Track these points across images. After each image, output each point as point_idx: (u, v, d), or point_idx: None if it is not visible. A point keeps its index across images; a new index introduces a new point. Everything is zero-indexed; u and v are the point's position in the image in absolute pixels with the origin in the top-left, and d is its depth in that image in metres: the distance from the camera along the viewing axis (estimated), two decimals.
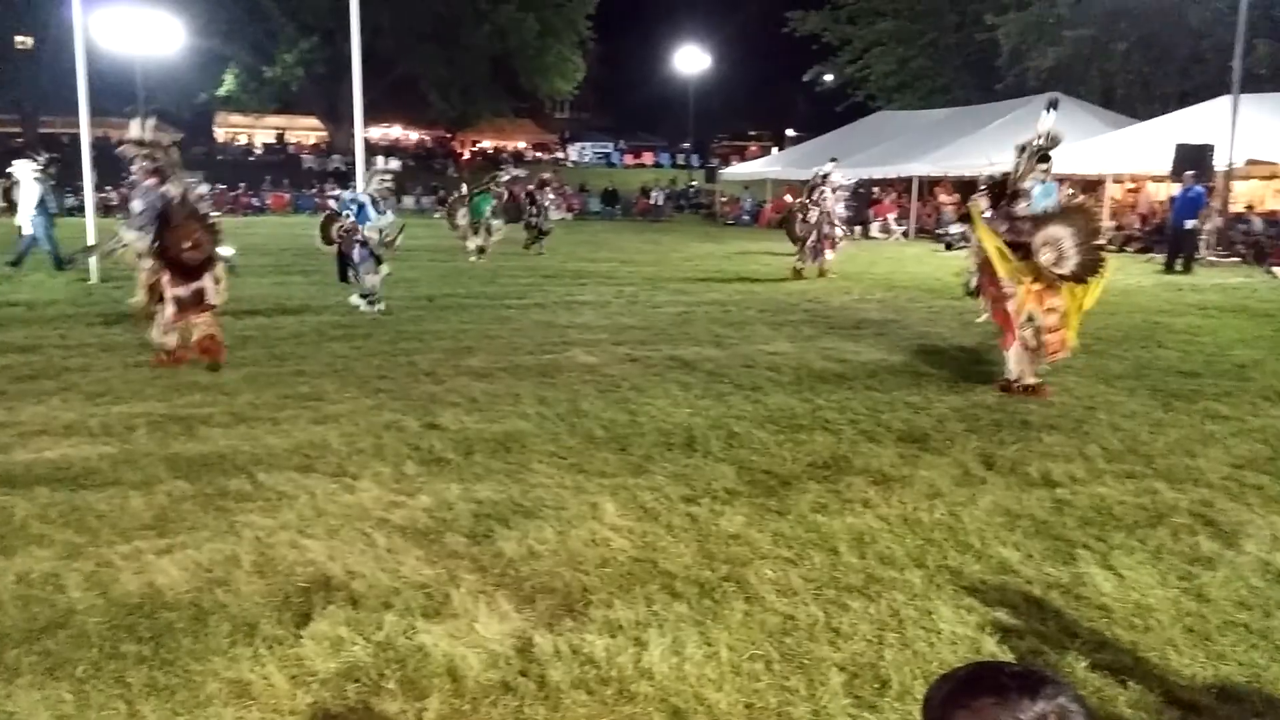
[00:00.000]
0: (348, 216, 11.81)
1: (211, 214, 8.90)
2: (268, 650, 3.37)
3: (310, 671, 3.25)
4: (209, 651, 3.36)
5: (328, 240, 12.03)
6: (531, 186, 22.94)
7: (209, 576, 3.97)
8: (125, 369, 8.07)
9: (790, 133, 58.37)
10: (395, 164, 12.81)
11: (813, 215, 16.67)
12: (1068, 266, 7.30)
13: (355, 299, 11.79)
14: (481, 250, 19.42)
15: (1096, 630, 3.59)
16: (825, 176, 16.93)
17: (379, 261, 11.77)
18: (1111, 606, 3.78)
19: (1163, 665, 3.35)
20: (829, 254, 16.88)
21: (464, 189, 20.99)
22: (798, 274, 16.61)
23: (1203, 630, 3.60)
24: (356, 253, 11.73)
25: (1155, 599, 3.85)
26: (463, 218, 19.94)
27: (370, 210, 11.79)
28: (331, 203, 12.15)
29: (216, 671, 3.24)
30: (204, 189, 9.65)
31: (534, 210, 22.05)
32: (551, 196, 23.16)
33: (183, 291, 8.19)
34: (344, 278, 12.23)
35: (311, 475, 5.31)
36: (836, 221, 17.07)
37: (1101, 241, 7.53)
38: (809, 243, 16.67)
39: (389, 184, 12.42)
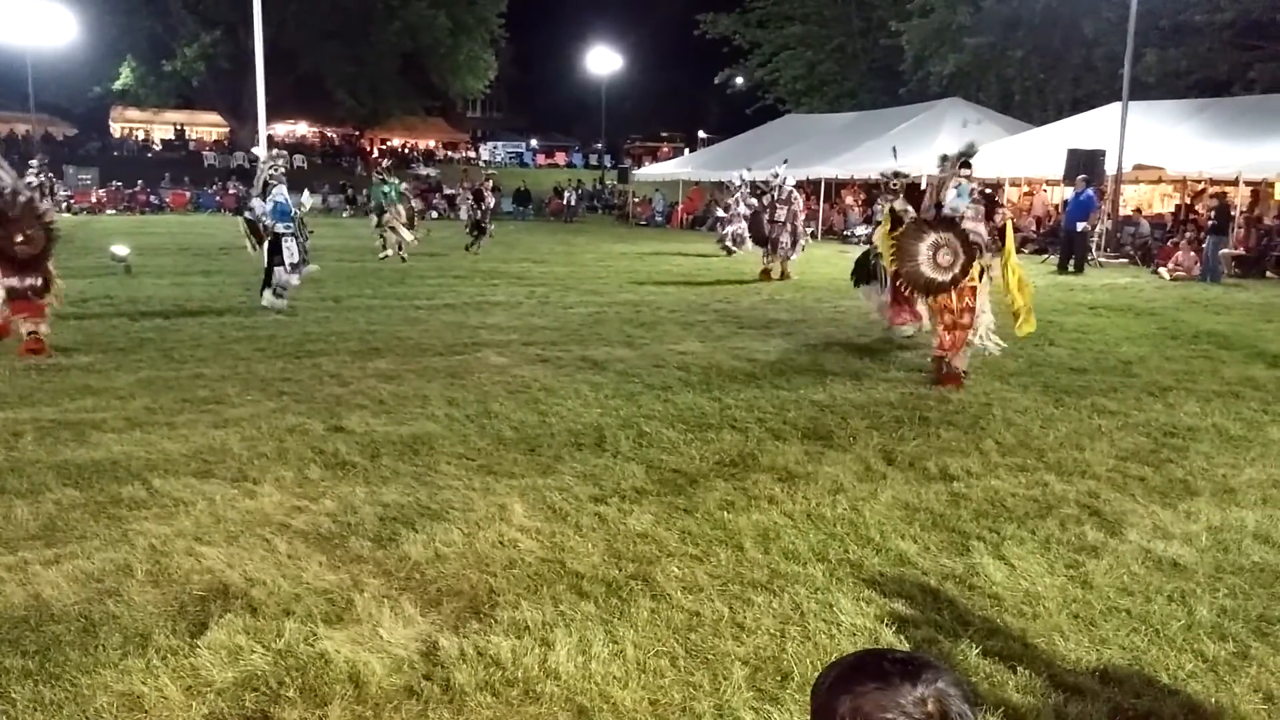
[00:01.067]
0: (281, 228, 11.60)
1: (49, 213, 8.98)
2: (161, 661, 3.28)
3: (206, 682, 3.17)
4: (98, 664, 3.26)
5: (260, 240, 11.75)
6: (479, 185, 22.62)
7: (99, 587, 3.84)
8: (13, 374, 7.76)
9: (702, 134, 58.80)
10: (261, 150, 12.58)
11: (780, 214, 16.87)
12: (949, 274, 7.77)
13: (269, 298, 11.58)
14: (386, 249, 19.35)
15: (988, 618, 3.72)
16: (783, 180, 17.19)
17: (303, 263, 11.70)
18: (1002, 595, 3.92)
19: (1050, 650, 3.48)
20: (795, 255, 17.13)
21: (384, 190, 20.62)
22: (766, 275, 16.77)
23: (1087, 616, 3.75)
24: (293, 249, 11.57)
25: (1044, 587, 4.00)
26: (402, 216, 19.68)
27: (288, 203, 11.68)
28: (253, 210, 11.77)
29: (106, 684, 3.14)
30: (26, 183, 9.80)
31: (479, 210, 21.81)
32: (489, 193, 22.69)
33: (15, 283, 8.42)
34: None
35: (210, 481, 5.18)
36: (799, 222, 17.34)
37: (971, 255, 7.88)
38: (780, 243, 16.82)
39: (280, 170, 12.14)
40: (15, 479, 5.12)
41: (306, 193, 12.70)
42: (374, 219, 19.56)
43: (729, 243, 21.97)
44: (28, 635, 3.45)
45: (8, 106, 42.50)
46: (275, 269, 11.69)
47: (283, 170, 12.07)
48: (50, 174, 28.54)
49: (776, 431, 6.41)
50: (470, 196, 22.16)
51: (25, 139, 44.80)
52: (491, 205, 21.98)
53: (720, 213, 23.18)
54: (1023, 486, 5.31)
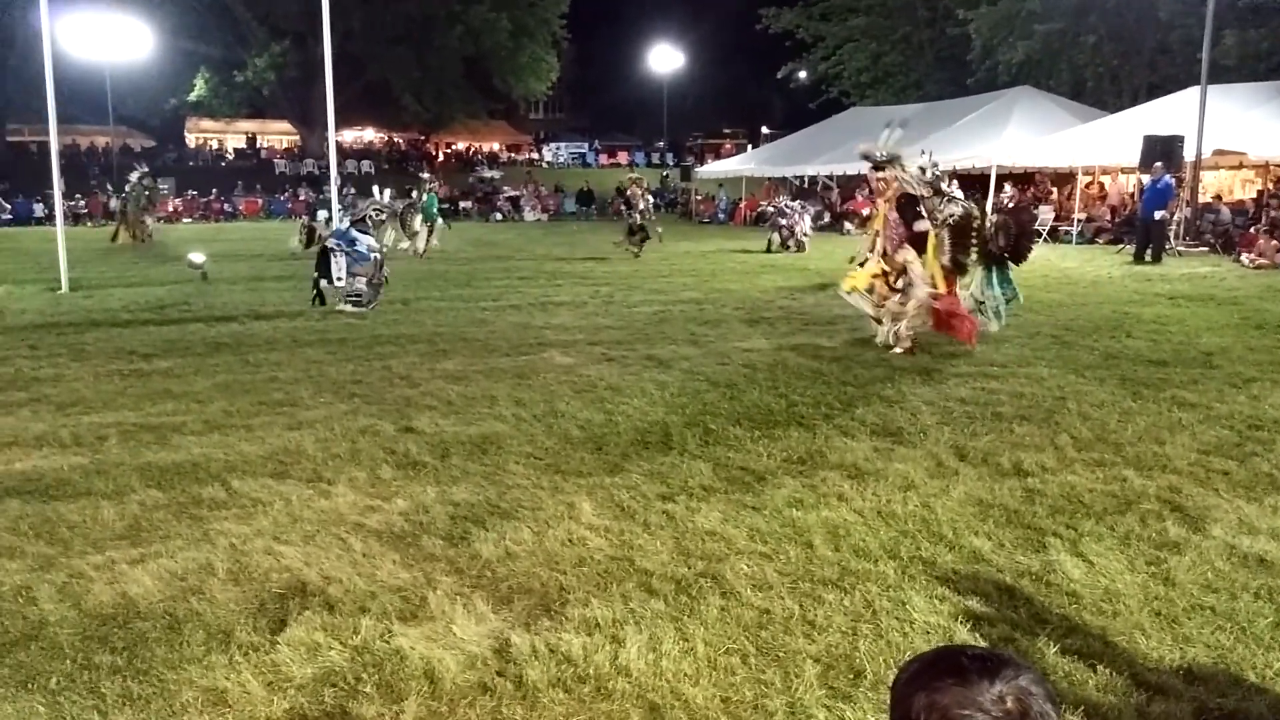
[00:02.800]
0: (335, 243, 12.06)
1: None
2: (243, 657, 3.36)
3: (286, 677, 3.25)
4: (183, 660, 3.35)
5: (309, 244, 12.23)
6: (628, 191, 22.16)
7: (183, 585, 3.95)
8: (96, 379, 8.02)
9: (765, 130, 58.46)
10: (387, 198, 13.13)
11: None
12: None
13: (343, 304, 11.98)
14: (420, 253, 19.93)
15: (1066, 616, 3.64)
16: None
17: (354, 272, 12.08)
18: (1081, 593, 3.83)
19: (1131, 649, 3.40)
20: None
21: (414, 194, 21.44)
22: None
23: (1170, 614, 3.65)
24: (341, 265, 11.96)
25: (1124, 584, 3.90)
26: (419, 224, 20.45)
27: (360, 240, 12.17)
28: (319, 224, 12.31)
29: (191, 680, 3.23)
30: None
31: (629, 212, 21.59)
32: (641, 195, 21.63)
33: None
34: (319, 297, 12.38)
35: (286, 481, 5.29)
36: None
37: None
38: None
39: (383, 216, 12.70)
40: (101, 481, 5.28)
41: (384, 232, 13.20)
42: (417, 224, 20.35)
43: (788, 239, 21.96)
44: (116, 632, 3.57)
45: (88, 120, 43.89)
46: (322, 280, 12.16)
47: (383, 218, 12.56)
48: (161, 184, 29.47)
49: (844, 428, 6.35)
50: (621, 203, 21.95)
51: (105, 151, 46.27)
52: (642, 208, 21.28)
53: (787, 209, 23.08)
54: (1100, 481, 5.19)
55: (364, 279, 12.06)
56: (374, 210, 12.56)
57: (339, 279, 11.96)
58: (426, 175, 24.84)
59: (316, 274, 12.24)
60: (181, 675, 3.26)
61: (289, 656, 3.36)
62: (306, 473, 5.46)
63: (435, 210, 21.36)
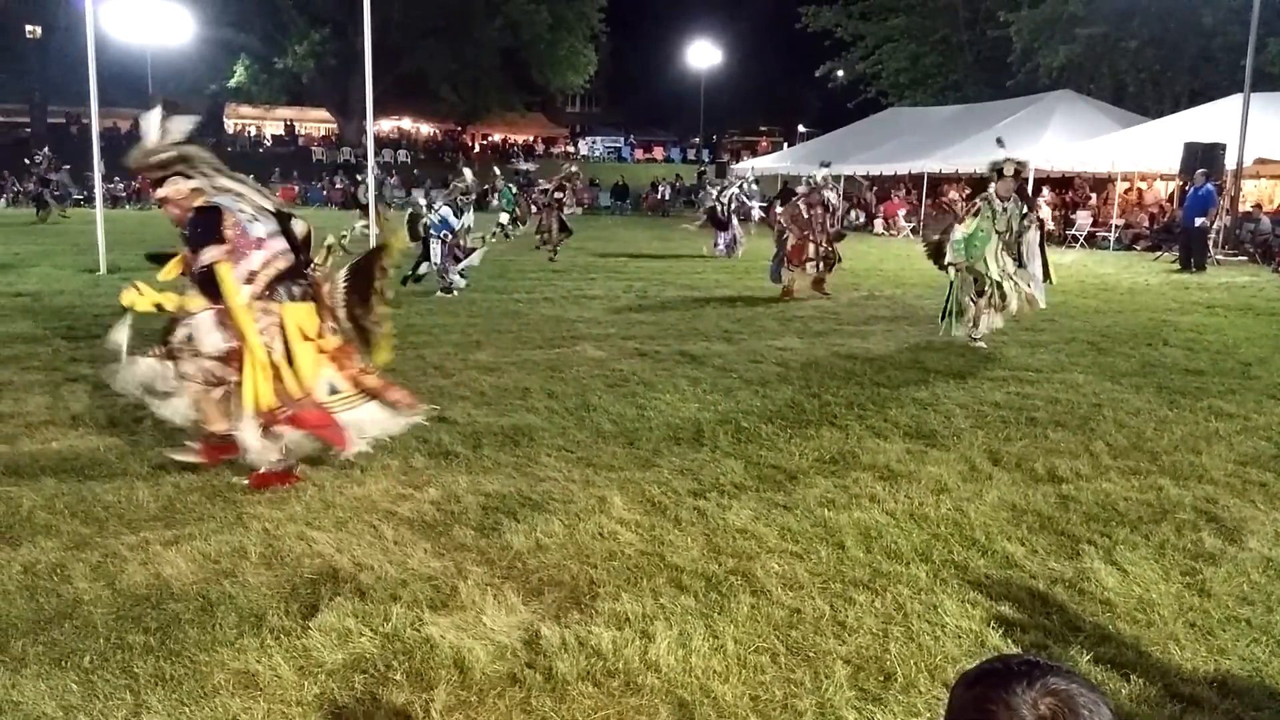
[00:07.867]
0: (433, 230, 13.05)
1: None
2: (275, 641, 3.38)
3: (317, 662, 3.27)
4: (216, 642, 3.38)
5: (414, 237, 13.07)
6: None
7: (216, 568, 3.99)
8: None
9: (802, 129, 58.26)
10: (470, 177, 14.02)
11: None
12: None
13: (453, 282, 13.07)
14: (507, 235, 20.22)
15: (1100, 624, 3.60)
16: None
17: (457, 260, 13.14)
18: (1115, 601, 3.79)
19: (1165, 659, 3.35)
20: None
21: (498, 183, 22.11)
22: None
23: (1205, 625, 3.61)
24: (437, 250, 12.99)
25: (1158, 594, 3.85)
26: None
27: (452, 219, 13.10)
28: (426, 215, 13.03)
29: (223, 662, 3.26)
30: None
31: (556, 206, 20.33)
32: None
33: None
34: (410, 278, 13.09)
35: (319, 467, 5.32)
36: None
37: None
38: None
39: (469, 197, 13.68)
40: (137, 462, 5.35)
41: (468, 216, 13.78)
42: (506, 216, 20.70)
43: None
44: (149, 613, 3.60)
45: (128, 103, 44.39)
46: (425, 263, 13.20)
47: (471, 199, 13.77)
48: None
49: (877, 429, 6.31)
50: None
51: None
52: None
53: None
54: (1135, 490, 5.13)
55: (462, 266, 13.14)
56: (461, 196, 13.41)
57: (436, 262, 13.01)
58: (526, 166, 25.51)
59: (418, 257, 13.20)
60: (213, 657, 3.29)
61: (320, 642, 3.38)
62: (339, 459, 5.48)
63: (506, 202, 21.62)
